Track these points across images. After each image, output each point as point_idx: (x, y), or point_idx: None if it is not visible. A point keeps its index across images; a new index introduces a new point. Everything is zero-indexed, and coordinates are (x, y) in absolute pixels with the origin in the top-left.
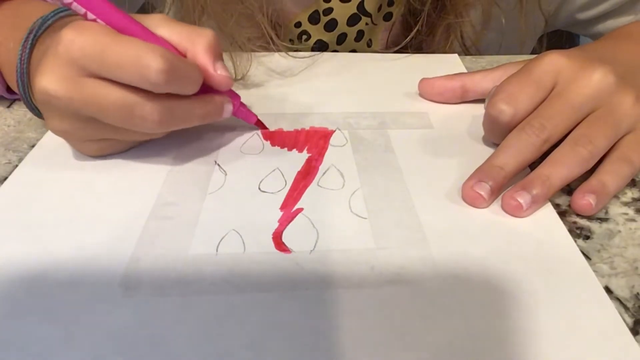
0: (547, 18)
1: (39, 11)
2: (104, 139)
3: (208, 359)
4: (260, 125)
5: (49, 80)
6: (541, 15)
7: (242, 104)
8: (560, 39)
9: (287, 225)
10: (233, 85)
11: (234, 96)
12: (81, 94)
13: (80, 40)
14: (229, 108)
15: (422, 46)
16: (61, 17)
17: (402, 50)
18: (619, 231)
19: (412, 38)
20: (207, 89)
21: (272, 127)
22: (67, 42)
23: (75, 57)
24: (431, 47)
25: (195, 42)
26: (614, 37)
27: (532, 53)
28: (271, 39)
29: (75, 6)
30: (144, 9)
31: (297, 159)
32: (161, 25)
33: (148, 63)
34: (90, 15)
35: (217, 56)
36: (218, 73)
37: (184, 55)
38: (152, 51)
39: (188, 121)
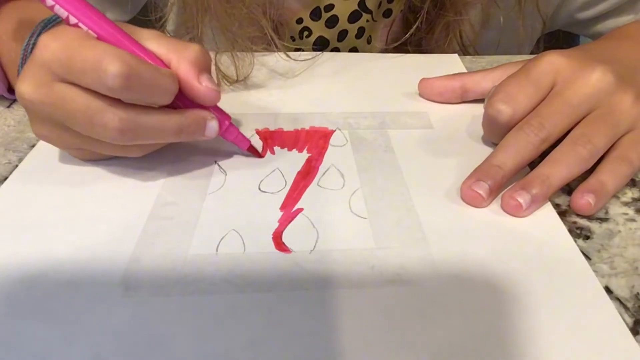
0: (545, 20)
1: (44, 12)
2: (81, 148)
3: (208, 359)
4: (253, 151)
5: (24, 85)
6: (539, 17)
7: (232, 125)
8: (558, 40)
9: (287, 225)
10: (220, 99)
11: (223, 115)
12: (50, 98)
13: (53, 44)
14: (213, 126)
15: (422, 43)
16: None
17: (402, 46)
18: (619, 231)
19: (412, 35)
20: (194, 106)
21: (272, 127)
22: (42, 46)
23: (46, 62)
24: (430, 44)
25: (181, 54)
26: (614, 37)
27: (531, 54)
28: (273, 41)
29: (58, 9)
30: (146, 9)
31: (297, 159)
32: (150, 39)
33: (105, 67)
34: (72, 20)
35: (203, 69)
36: (203, 85)
37: (168, 67)
38: (112, 55)
39: (158, 135)
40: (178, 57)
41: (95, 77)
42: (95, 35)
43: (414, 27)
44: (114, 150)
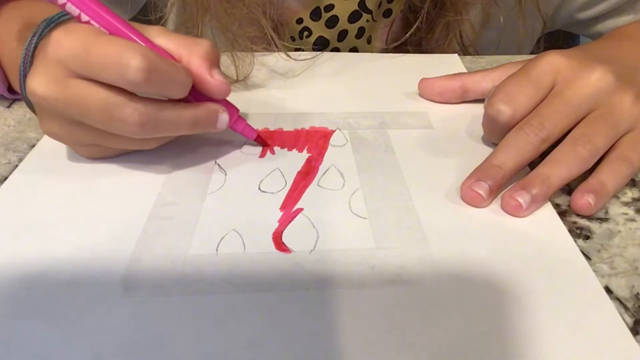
0: (546, 20)
1: (45, 12)
2: (93, 144)
3: (208, 359)
4: (260, 141)
5: (37, 82)
6: (540, 17)
7: (241, 117)
8: (558, 40)
9: (287, 225)
10: (230, 92)
11: (232, 108)
12: (65, 94)
13: (67, 41)
14: (224, 118)
15: (422, 43)
16: (66, 19)
17: (402, 46)
18: (619, 231)
19: (412, 35)
20: (204, 99)
21: (272, 127)
22: (55, 43)
23: (61, 58)
24: (430, 44)
25: (192, 50)
26: (614, 37)
27: (531, 54)
28: (273, 41)
29: (69, 7)
30: (146, 9)
31: (297, 159)
32: (159, 35)
33: (127, 61)
34: (84, 17)
35: (214, 63)
36: (215, 78)
37: (179, 62)
38: (133, 50)
39: (175, 128)
40: (189, 52)
41: (116, 71)
42: (107, 32)
43: (414, 27)
44: (129, 143)
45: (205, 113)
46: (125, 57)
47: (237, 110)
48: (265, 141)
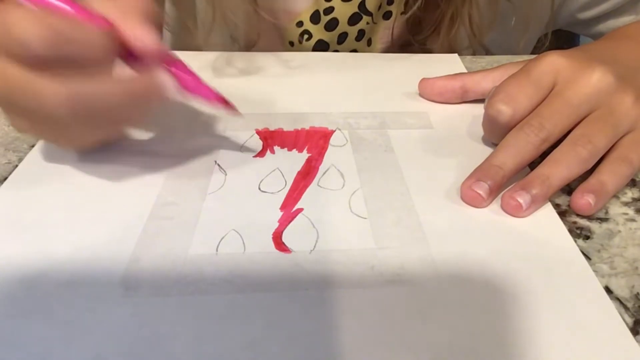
0: (555, 9)
1: None
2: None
3: (208, 359)
4: (221, 102)
5: None
6: (546, 9)
7: (189, 72)
8: (559, 39)
9: (287, 225)
10: (163, 53)
11: (173, 62)
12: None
13: None
14: (166, 83)
15: (427, 42)
16: None
17: (407, 45)
18: (619, 231)
19: (417, 34)
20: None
21: (272, 127)
22: None
23: None
24: (436, 42)
25: (123, 10)
26: (614, 37)
27: (532, 53)
28: (274, 41)
29: None
30: None
31: (297, 159)
32: None
33: (23, 31)
34: None
35: (142, 21)
36: (139, 39)
37: (110, 25)
38: (30, 18)
39: (109, 103)
40: (121, 13)
41: (19, 44)
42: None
43: (415, 6)
44: (88, 133)
45: (141, 81)
46: (21, 27)
47: (182, 62)
48: (226, 103)
